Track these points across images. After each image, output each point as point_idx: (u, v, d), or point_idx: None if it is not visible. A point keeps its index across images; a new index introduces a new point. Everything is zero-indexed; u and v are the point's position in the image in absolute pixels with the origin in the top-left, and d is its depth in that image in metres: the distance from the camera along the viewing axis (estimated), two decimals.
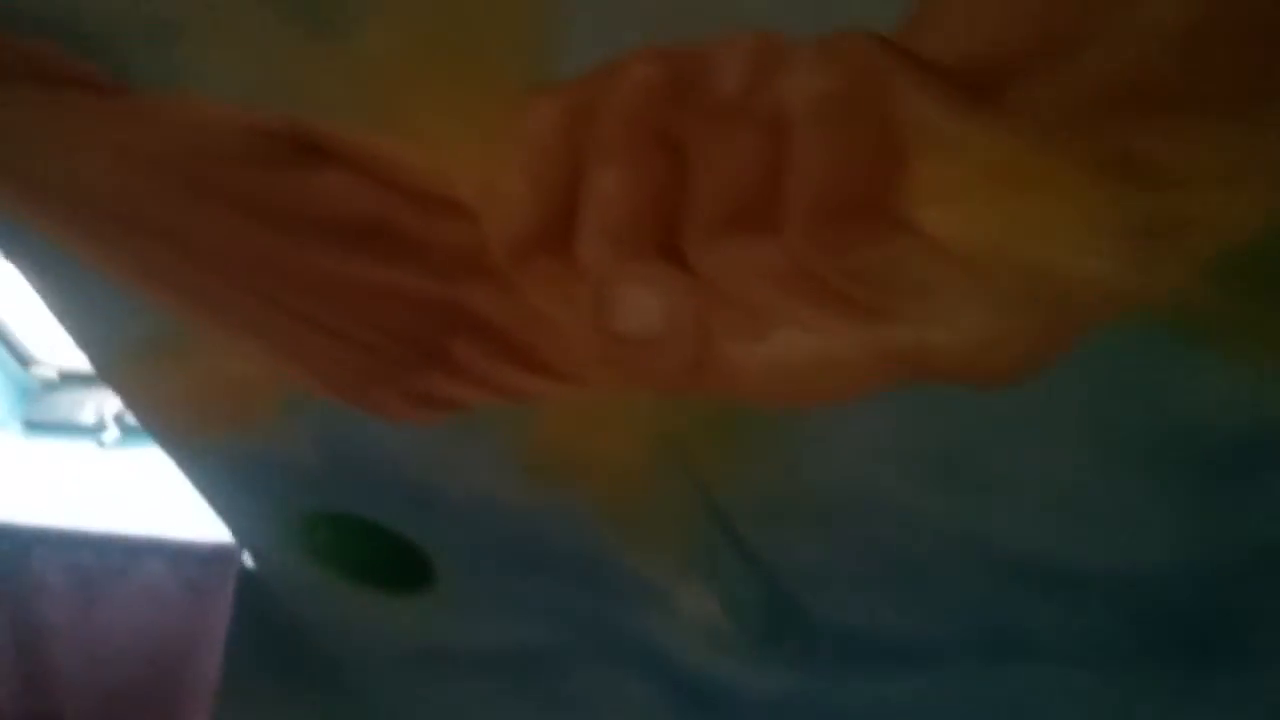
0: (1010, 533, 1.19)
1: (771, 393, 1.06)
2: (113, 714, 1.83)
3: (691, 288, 0.95)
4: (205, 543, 1.85)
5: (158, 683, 1.81)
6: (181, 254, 1.15)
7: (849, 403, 1.06)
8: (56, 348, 2.33)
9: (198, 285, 1.18)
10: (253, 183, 1.06)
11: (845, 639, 1.43)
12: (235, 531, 1.76)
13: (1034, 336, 0.93)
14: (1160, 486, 1.08)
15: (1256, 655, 1.33)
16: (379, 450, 1.38)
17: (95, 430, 2.25)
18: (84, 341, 1.37)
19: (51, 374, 2.36)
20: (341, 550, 1.63)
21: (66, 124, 1.08)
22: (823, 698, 1.57)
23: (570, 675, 1.73)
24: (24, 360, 2.36)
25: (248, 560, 1.84)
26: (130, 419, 2.15)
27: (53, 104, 1.06)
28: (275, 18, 0.91)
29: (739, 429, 1.16)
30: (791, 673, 1.53)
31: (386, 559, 1.60)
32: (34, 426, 2.33)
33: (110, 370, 1.42)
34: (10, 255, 1.28)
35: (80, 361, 2.29)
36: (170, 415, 1.46)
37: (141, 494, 2.04)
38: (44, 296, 1.32)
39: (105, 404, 2.25)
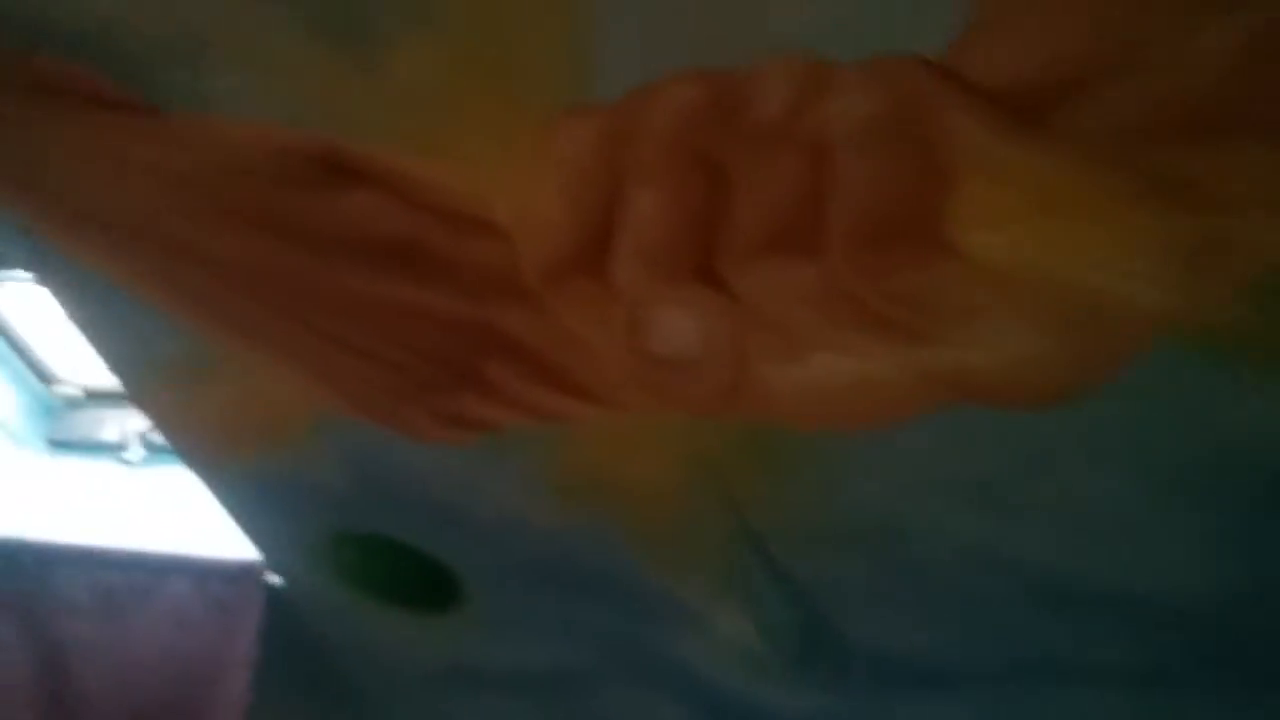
0: (1048, 557, 1.18)
1: (809, 416, 1.06)
2: None
3: (728, 310, 0.95)
4: (231, 561, 1.85)
5: (184, 703, 1.81)
6: (212, 275, 1.15)
7: (887, 426, 1.05)
8: (78, 366, 2.34)
9: (228, 306, 1.18)
10: (284, 203, 1.06)
11: (880, 661, 1.42)
12: (263, 551, 1.75)
13: (1077, 360, 0.92)
14: (1200, 511, 1.07)
15: None
16: (408, 470, 1.38)
17: (119, 449, 2.26)
18: (115, 363, 1.36)
19: (74, 392, 2.36)
20: (369, 570, 1.62)
21: (99, 145, 1.08)
22: None
23: (599, 696, 1.72)
24: (46, 379, 2.37)
25: (273, 579, 1.83)
26: (155, 438, 2.15)
27: (85, 125, 1.06)
28: (309, 40, 0.91)
29: (774, 451, 1.15)
30: (825, 695, 1.51)
31: (414, 578, 1.60)
32: (58, 445, 2.34)
33: (140, 391, 1.42)
34: (43, 278, 1.29)
35: (103, 380, 2.30)
36: (200, 436, 1.46)
37: (165, 512, 2.04)
38: (75, 318, 1.32)
39: (129, 422, 2.25)
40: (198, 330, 1.23)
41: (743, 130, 0.83)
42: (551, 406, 1.16)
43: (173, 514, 2.01)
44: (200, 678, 1.82)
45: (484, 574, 1.56)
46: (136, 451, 2.22)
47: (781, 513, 1.24)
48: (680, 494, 1.25)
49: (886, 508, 1.17)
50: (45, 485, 2.23)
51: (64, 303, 1.30)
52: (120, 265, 1.19)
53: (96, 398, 2.34)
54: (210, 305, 1.19)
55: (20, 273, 1.80)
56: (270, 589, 1.83)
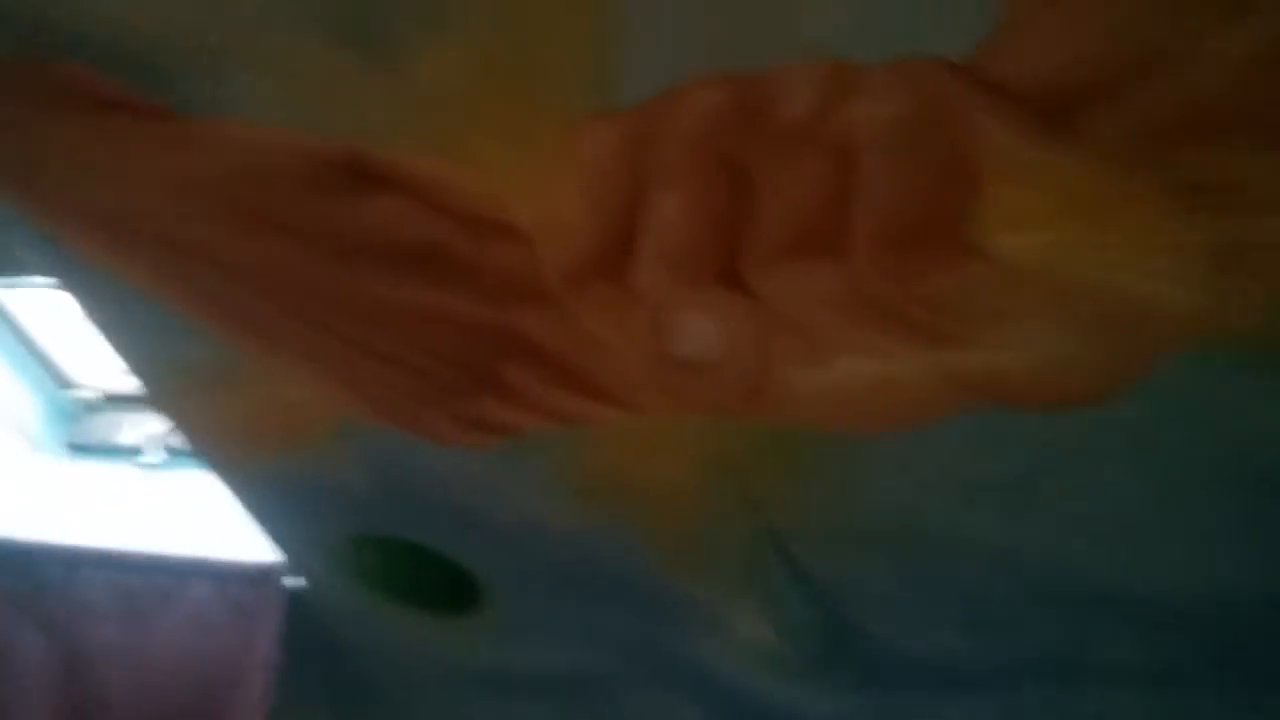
0: (1071, 558, 1.17)
1: (833, 419, 1.05)
2: None
3: (752, 313, 0.94)
4: (251, 564, 1.85)
5: (205, 706, 1.81)
6: (234, 280, 1.15)
7: (911, 428, 1.05)
8: (95, 370, 2.35)
9: (250, 311, 1.18)
10: (306, 209, 1.06)
11: (904, 663, 1.41)
12: (284, 553, 1.76)
13: (1106, 362, 0.92)
14: (1230, 512, 1.07)
15: None
16: (429, 474, 1.38)
17: (138, 452, 2.27)
18: (137, 367, 1.37)
19: (92, 396, 2.37)
20: (389, 573, 1.63)
21: (120, 150, 1.08)
22: None
23: (620, 699, 1.72)
24: (64, 383, 2.38)
25: (294, 582, 1.83)
26: (175, 441, 2.16)
27: (107, 131, 1.06)
28: (331, 45, 0.91)
29: (795, 452, 1.15)
30: (846, 696, 1.51)
31: (435, 581, 1.60)
32: (77, 449, 2.35)
33: (163, 396, 1.43)
34: (66, 283, 1.29)
35: (121, 383, 2.31)
36: (221, 439, 1.46)
37: (185, 515, 2.05)
38: (98, 323, 1.32)
39: (147, 426, 2.26)
40: (220, 335, 1.23)
41: (767, 133, 0.83)
42: (572, 409, 1.16)
43: (193, 517, 2.01)
44: (221, 680, 1.83)
45: (504, 577, 1.56)
46: (156, 454, 2.23)
47: (802, 513, 1.24)
48: (700, 495, 1.25)
49: (908, 508, 1.17)
50: (65, 489, 2.24)
51: (86, 308, 1.31)
52: (142, 271, 1.20)
53: (115, 401, 2.35)
54: (232, 310, 1.19)
55: (37, 279, 1.81)
56: (291, 592, 1.83)
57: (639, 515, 1.32)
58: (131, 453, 2.26)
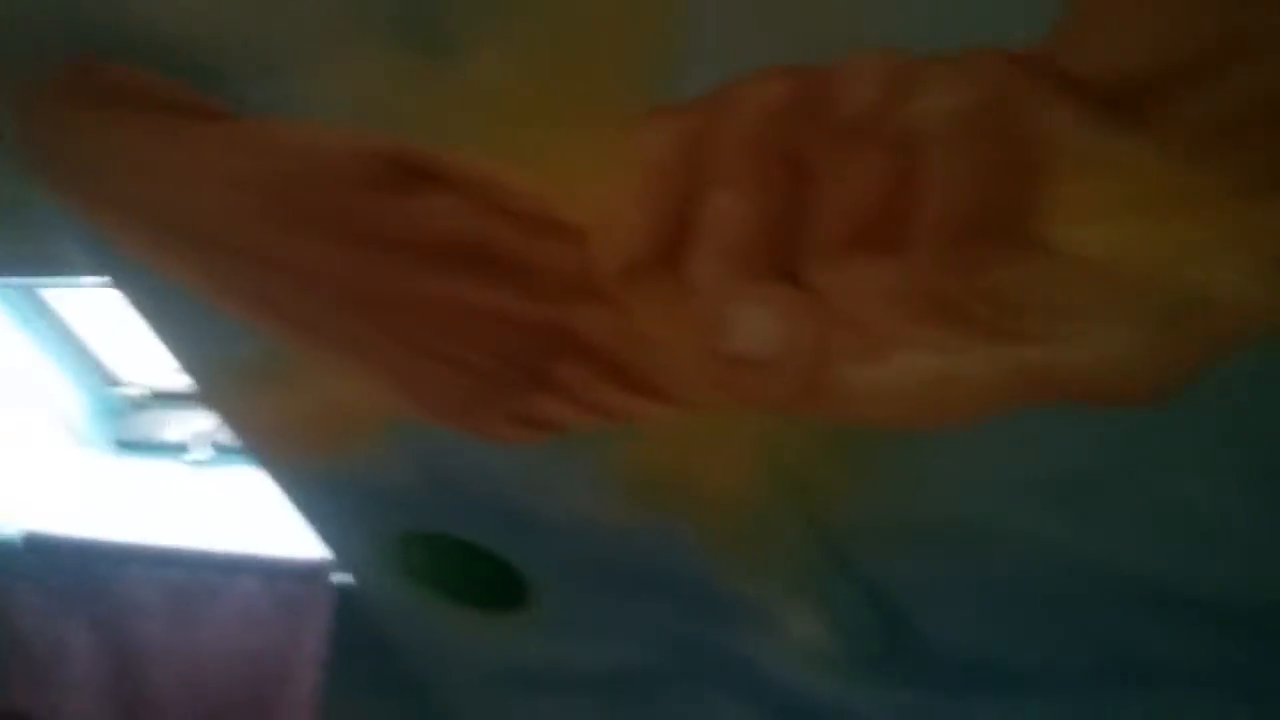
0: (1137, 559, 1.15)
1: (891, 415, 1.04)
2: None
3: (810, 308, 0.93)
4: (300, 560, 1.86)
5: (254, 702, 1.83)
6: (286, 279, 1.15)
7: (970, 424, 1.04)
8: (141, 367, 2.37)
9: (302, 310, 1.19)
10: (359, 207, 1.06)
11: (961, 664, 1.40)
12: (332, 550, 1.76)
13: (1174, 357, 0.90)
14: None
15: None
16: (479, 471, 1.38)
17: (185, 449, 2.28)
18: (188, 364, 1.38)
19: (139, 393, 2.40)
20: (437, 569, 1.63)
21: (174, 151, 1.09)
22: None
23: (668, 697, 1.71)
24: (111, 381, 2.40)
25: (343, 578, 1.84)
26: (222, 437, 2.18)
27: (159, 131, 1.07)
28: (386, 44, 0.91)
29: (852, 449, 1.13)
30: (902, 696, 1.50)
31: (482, 578, 1.60)
32: (125, 446, 2.37)
33: (214, 393, 1.44)
34: (117, 282, 1.30)
35: (168, 381, 2.33)
36: (272, 437, 1.47)
37: (234, 512, 2.06)
38: (149, 321, 1.33)
39: (195, 423, 2.28)
40: (272, 334, 1.24)
41: (828, 127, 0.82)
42: (624, 406, 1.16)
43: (240, 514, 2.03)
44: (270, 676, 1.84)
45: (553, 574, 1.56)
46: (204, 451, 2.25)
47: (859, 511, 1.22)
48: (754, 493, 1.24)
49: (967, 507, 1.16)
50: (113, 486, 2.26)
51: (139, 306, 1.32)
52: (193, 270, 1.20)
53: (163, 398, 2.37)
54: (283, 309, 1.20)
55: (86, 278, 1.83)
56: (340, 588, 1.84)
57: (690, 512, 1.32)
58: (179, 449, 2.28)
